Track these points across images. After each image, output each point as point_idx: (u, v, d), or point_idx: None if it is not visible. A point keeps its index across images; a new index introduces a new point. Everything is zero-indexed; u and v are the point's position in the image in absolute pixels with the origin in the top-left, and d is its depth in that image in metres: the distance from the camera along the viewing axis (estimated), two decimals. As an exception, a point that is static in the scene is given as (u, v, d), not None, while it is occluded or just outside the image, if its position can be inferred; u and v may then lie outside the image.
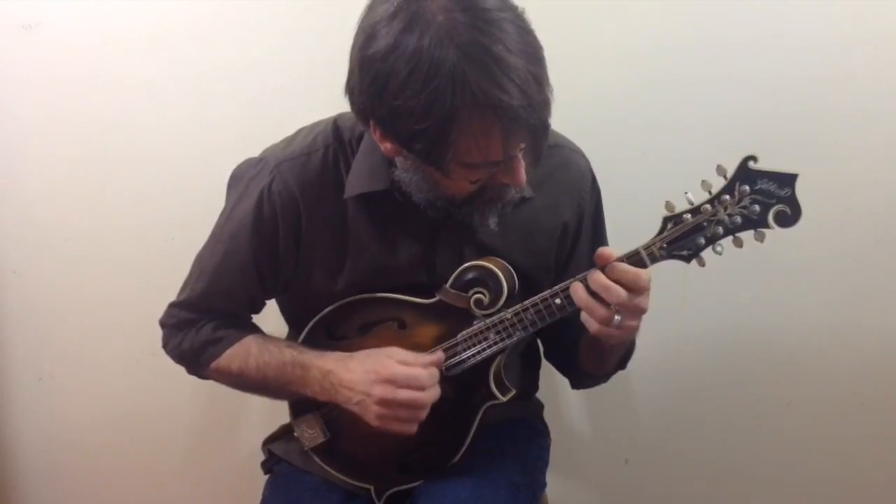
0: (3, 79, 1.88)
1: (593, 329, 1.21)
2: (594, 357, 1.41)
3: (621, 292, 1.17)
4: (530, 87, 1.07)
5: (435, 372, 1.30)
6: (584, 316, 1.22)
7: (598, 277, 1.19)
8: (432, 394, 1.29)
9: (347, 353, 1.35)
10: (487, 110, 1.06)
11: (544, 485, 1.60)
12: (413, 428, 1.30)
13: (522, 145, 1.15)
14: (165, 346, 1.49)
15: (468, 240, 1.37)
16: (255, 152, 1.43)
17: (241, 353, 1.41)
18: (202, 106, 1.86)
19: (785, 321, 1.86)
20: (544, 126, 1.13)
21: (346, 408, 1.33)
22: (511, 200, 1.30)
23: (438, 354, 1.33)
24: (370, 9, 1.13)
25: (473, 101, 1.05)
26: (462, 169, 1.16)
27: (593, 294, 1.19)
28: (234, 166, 1.47)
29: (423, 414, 1.29)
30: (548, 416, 1.69)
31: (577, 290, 1.21)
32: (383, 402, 1.27)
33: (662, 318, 1.75)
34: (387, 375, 1.27)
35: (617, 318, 1.19)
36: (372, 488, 1.44)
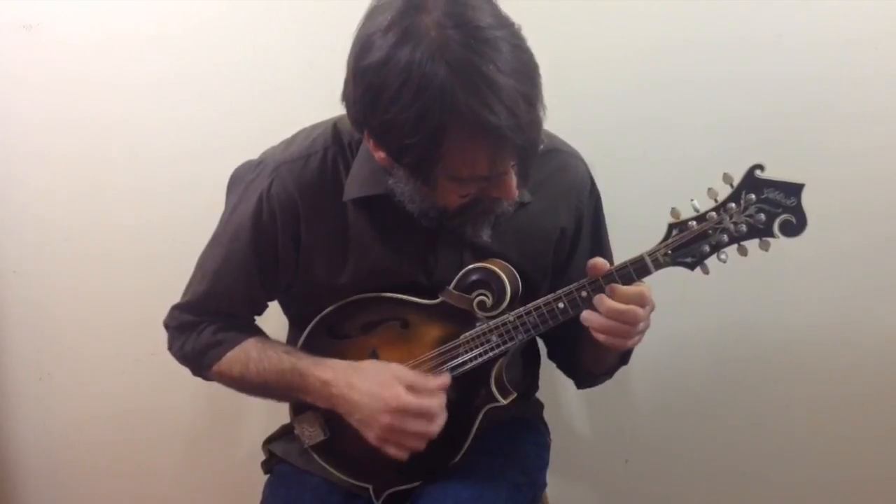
0: (3, 79, 1.87)
1: (613, 345, 1.24)
2: (595, 357, 1.42)
3: (638, 311, 1.19)
4: (519, 108, 1.07)
5: (444, 399, 1.29)
6: (602, 337, 1.23)
7: (610, 305, 1.20)
8: (439, 424, 1.28)
9: (348, 364, 1.34)
10: (475, 129, 1.06)
11: (544, 485, 1.60)
12: (406, 455, 1.30)
13: (513, 162, 1.15)
14: (170, 347, 1.49)
15: (467, 243, 1.37)
16: (255, 152, 1.43)
17: (241, 358, 1.42)
18: (202, 106, 1.85)
19: (785, 321, 1.86)
20: (532, 146, 1.13)
21: (346, 417, 1.33)
22: (504, 213, 1.29)
23: (445, 378, 1.31)
24: (368, 18, 1.13)
25: (461, 119, 1.06)
26: (450, 182, 1.17)
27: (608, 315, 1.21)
28: (233, 166, 1.47)
29: (423, 445, 1.29)
30: (548, 416, 1.69)
31: (594, 319, 1.22)
32: (390, 430, 1.26)
33: (662, 317, 1.74)
34: (397, 406, 1.25)
35: (640, 326, 1.22)
36: (370, 488, 1.44)
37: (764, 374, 1.90)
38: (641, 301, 1.21)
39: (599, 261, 1.22)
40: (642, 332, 1.26)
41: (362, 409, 1.29)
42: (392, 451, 1.29)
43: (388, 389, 1.27)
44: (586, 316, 1.23)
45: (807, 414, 1.91)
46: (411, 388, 1.27)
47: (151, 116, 1.87)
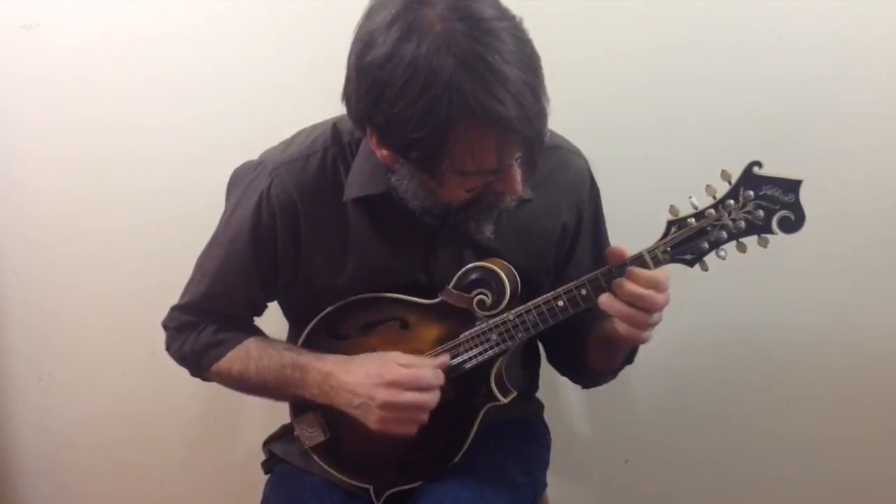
0: (3, 79, 1.88)
1: (630, 334, 1.21)
2: (604, 355, 1.42)
3: (658, 297, 1.18)
4: (526, 98, 1.07)
5: (439, 373, 1.31)
6: (617, 323, 1.21)
7: (630, 287, 1.18)
8: (436, 396, 1.29)
9: (347, 357, 1.35)
10: (482, 121, 1.06)
11: (544, 485, 1.60)
12: (414, 429, 1.30)
13: (519, 154, 1.15)
14: (168, 348, 1.49)
15: (468, 242, 1.37)
16: (255, 152, 1.43)
17: (241, 356, 1.42)
18: (202, 106, 1.86)
19: (785, 321, 1.86)
20: (539, 137, 1.13)
21: (346, 411, 1.33)
22: (508, 208, 1.29)
23: (443, 358, 1.33)
24: (368, 16, 1.13)
25: (469, 112, 1.06)
26: (457, 177, 1.17)
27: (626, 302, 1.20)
28: (233, 166, 1.47)
29: (426, 417, 1.30)
30: (548, 416, 1.69)
31: (610, 302, 1.21)
32: (386, 406, 1.27)
33: (663, 317, 1.75)
34: (390, 378, 1.28)
35: (655, 317, 1.21)
36: (371, 488, 1.44)
37: (764, 374, 1.89)
38: (658, 286, 1.19)
39: (618, 249, 1.21)
40: (655, 324, 1.24)
41: (359, 391, 1.30)
42: (395, 428, 1.29)
43: (383, 367, 1.29)
44: (606, 301, 1.21)
45: (807, 414, 1.91)
46: (405, 366, 1.29)
47: (151, 116, 1.87)
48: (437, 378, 1.30)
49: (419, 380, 1.28)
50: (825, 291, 1.82)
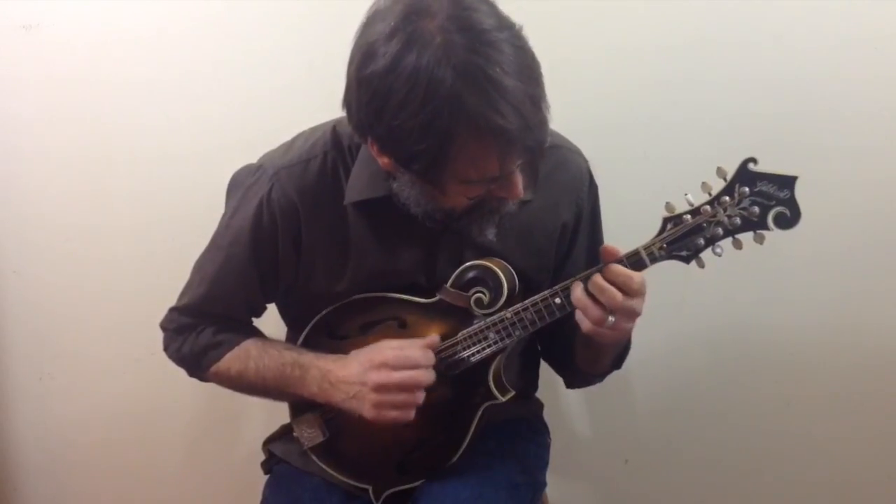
0: (3, 79, 1.88)
1: (586, 328, 1.22)
2: (589, 356, 1.42)
3: (616, 294, 1.18)
4: (526, 109, 1.07)
5: (429, 353, 1.31)
6: (578, 315, 1.23)
7: (596, 279, 1.19)
8: (428, 374, 1.29)
9: (345, 355, 1.35)
10: (484, 133, 1.06)
11: (544, 484, 1.60)
12: (411, 414, 1.30)
13: (520, 162, 1.16)
14: (166, 349, 1.50)
15: (468, 244, 1.37)
16: (255, 153, 1.43)
17: (240, 357, 1.42)
18: (202, 106, 1.86)
19: (785, 321, 1.86)
20: (540, 145, 1.13)
21: (344, 407, 1.33)
22: (509, 212, 1.29)
23: (433, 337, 1.33)
24: (367, 26, 1.12)
25: (470, 124, 1.06)
26: (459, 185, 1.17)
27: (590, 294, 1.20)
28: (233, 167, 1.47)
29: (420, 397, 1.29)
30: (548, 415, 1.69)
31: (576, 290, 1.22)
32: (379, 388, 1.28)
33: (662, 317, 1.74)
34: (380, 360, 1.29)
35: (610, 318, 1.20)
36: (370, 488, 1.44)
37: (763, 373, 1.89)
38: (627, 285, 1.18)
39: (612, 248, 1.22)
40: (620, 329, 1.23)
41: (352, 379, 1.31)
42: (391, 414, 1.29)
43: (373, 352, 1.31)
44: (573, 286, 1.23)
45: (806, 413, 1.91)
46: (395, 348, 1.31)
47: (151, 117, 1.87)
48: (426, 356, 1.30)
49: (407, 359, 1.29)
50: (825, 291, 1.82)
